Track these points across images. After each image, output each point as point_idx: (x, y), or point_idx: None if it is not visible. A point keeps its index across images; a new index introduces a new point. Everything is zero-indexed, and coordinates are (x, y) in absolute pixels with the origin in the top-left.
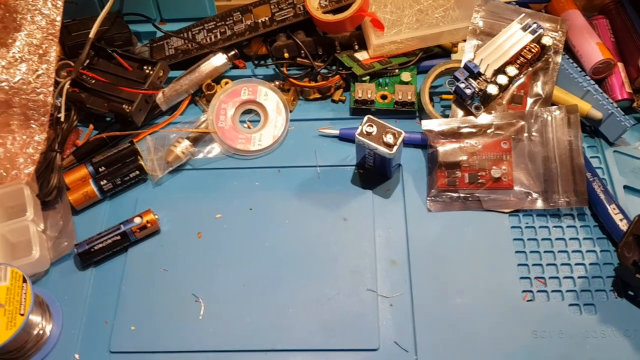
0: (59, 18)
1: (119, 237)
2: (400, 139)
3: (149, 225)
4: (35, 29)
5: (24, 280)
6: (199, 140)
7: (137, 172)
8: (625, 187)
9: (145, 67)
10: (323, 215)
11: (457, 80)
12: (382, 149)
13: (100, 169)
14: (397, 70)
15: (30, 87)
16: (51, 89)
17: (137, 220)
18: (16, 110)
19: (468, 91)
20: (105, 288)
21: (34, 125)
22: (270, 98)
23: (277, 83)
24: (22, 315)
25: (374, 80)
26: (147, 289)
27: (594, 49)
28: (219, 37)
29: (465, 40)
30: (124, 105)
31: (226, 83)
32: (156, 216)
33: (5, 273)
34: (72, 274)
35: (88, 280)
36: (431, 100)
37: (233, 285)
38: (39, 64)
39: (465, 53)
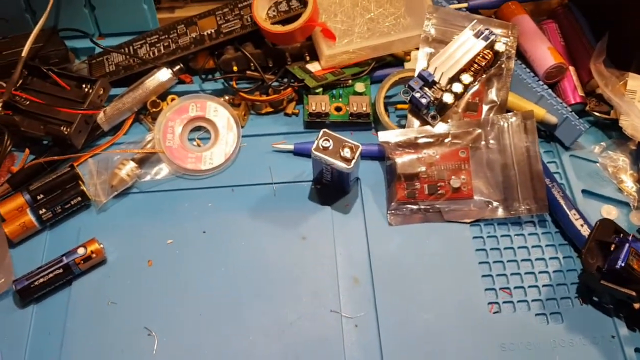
0: None
1: (61, 271)
2: (357, 153)
3: (93, 255)
4: None
5: None
6: (145, 161)
7: (79, 198)
8: (583, 191)
9: (84, 86)
10: (281, 235)
11: (412, 89)
12: (340, 164)
13: (38, 197)
14: (350, 81)
15: None
16: None
17: (81, 250)
18: None
19: (424, 100)
20: (48, 326)
21: None
22: (220, 114)
23: (226, 98)
24: None
25: (327, 92)
26: (95, 325)
27: (545, 54)
28: (162, 51)
29: (418, 49)
30: (61, 127)
31: (172, 99)
32: (101, 245)
33: None
34: (11, 313)
35: (29, 318)
36: (386, 110)
37: (188, 314)
38: None
39: (419, 61)
